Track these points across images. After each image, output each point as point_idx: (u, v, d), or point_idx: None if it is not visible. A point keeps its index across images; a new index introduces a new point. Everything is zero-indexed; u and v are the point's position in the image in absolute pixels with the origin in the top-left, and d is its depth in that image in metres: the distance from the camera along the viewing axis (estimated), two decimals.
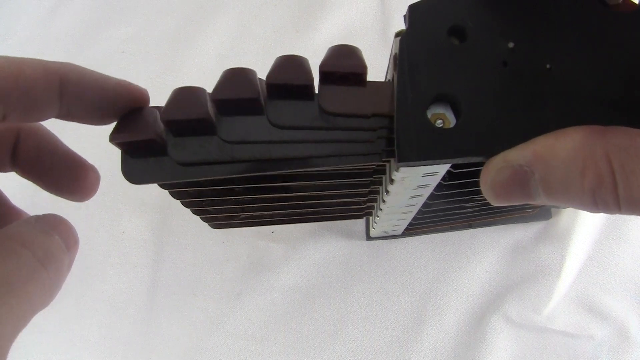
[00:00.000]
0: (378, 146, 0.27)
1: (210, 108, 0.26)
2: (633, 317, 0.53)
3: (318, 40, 0.64)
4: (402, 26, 0.26)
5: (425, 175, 0.30)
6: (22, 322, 0.19)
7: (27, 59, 0.23)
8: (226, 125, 0.27)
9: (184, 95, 0.26)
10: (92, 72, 0.25)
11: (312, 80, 0.26)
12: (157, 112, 0.27)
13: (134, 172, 0.27)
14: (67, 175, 0.28)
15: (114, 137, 0.25)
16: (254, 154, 0.27)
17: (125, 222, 0.59)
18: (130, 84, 0.27)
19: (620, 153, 0.20)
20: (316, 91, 0.27)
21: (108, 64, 0.67)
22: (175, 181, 0.27)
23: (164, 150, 0.26)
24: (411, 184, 0.32)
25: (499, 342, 0.53)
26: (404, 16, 0.25)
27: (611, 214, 0.21)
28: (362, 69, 0.26)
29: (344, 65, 0.26)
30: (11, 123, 0.24)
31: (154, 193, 0.59)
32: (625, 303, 0.54)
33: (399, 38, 0.25)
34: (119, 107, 0.26)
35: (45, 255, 0.21)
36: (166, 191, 0.35)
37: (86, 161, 0.29)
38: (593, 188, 0.20)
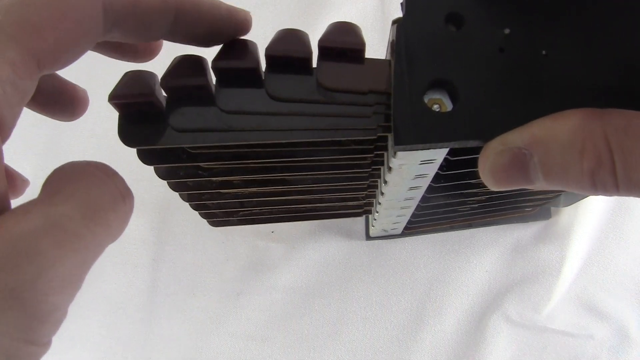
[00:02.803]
0: (374, 121, 0.27)
1: (211, 78, 0.26)
2: (633, 317, 0.53)
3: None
4: None
5: (422, 162, 0.30)
6: (100, 250, 0.19)
7: None
8: (225, 95, 0.27)
9: (184, 63, 0.26)
10: (206, 1, 0.25)
11: (311, 53, 0.27)
12: (158, 78, 0.27)
13: (130, 135, 0.27)
14: (57, 96, 0.28)
15: (112, 98, 0.25)
16: (251, 124, 0.27)
17: None
18: (237, 10, 0.27)
19: (618, 133, 0.20)
20: (314, 66, 0.27)
21: (108, 63, 0.68)
22: (171, 145, 0.27)
23: (161, 115, 0.27)
24: (409, 173, 0.32)
25: (499, 342, 0.53)
26: (401, 3, 0.26)
27: (609, 195, 0.21)
28: (360, 45, 0.27)
29: (342, 41, 0.27)
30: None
31: (154, 193, 0.59)
32: (625, 303, 0.54)
33: (396, 25, 0.25)
34: (225, 33, 0.26)
35: (125, 187, 0.21)
36: (166, 191, 0.35)
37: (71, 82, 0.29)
38: (592, 169, 0.20)
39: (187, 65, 0.26)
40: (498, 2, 0.25)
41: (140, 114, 0.27)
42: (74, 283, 0.18)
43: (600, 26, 0.24)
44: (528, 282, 0.55)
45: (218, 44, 0.27)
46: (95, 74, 0.58)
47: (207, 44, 0.27)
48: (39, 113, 0.28)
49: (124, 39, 0.23)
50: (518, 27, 0.25)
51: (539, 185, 0.23)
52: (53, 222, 0.17)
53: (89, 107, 0.57)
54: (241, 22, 0.27)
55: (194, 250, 0.58)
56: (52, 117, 0.29)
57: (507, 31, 0.25)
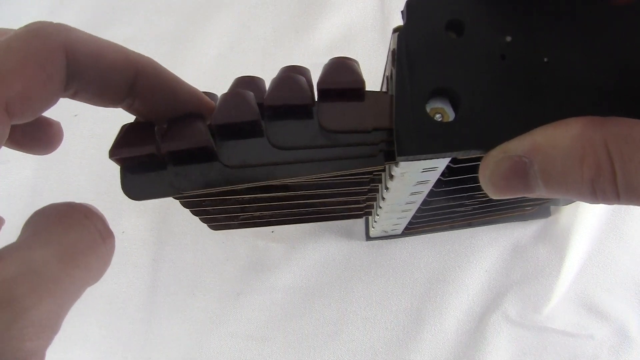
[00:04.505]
0: (380, 160, 0.27)
1: (210, 134, 0.26)
2: (633, 316, 0.54)
3: (318, 40, 0.64)
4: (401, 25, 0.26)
5: (424, 170, 0.30)
6: (78, 293, 0.19)
7: (110, 42, 0.23)
8: (227, 149, 0.27)
9: (182, 124, 0.26)
10: (168, 72, 0.26)
11: (310, 98, 0.26)
12: (155, 128, 0.27)
13: (134, 188, 0.27)
14: (32, 132, 0.28)
15: (113, 154, 0.25)
16: (256, 176, 0.27)
17: (125, 222, 0.59)
18: (201, 95, 0.27)
19: (619, 142, 0.19)
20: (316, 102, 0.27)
21: None
22: (176, 197, 0.27)
23: (164, 163, 0.26)
24: (411, 180, 0.32)
25: (499, 342, 0.53)
26: (402, 12, 0.25)
27: (610, 204, 0.21)
28: (360, 84, 0.26)
29: (341, 81, 0.26)
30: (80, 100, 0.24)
31: None
32: (625, 303, 0.54)
33: (397, 33, 0.25)
34: (183, 112, 0.27)
35: (104, 229, 0.21)
36: None
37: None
38: (592, 177, 0.20)
39: (185, 126, 0.26)
40: (499, 9, 0.25)
41: (143, 164, 0.26)
42: (51, 327, 0.18)
43: (602, 32, 0.24)
44: (528, 282, 0.55)
45: None
46: None
47: (162, 120, 0.27)
48: (15, 149, 0.28)
49: (85, 95, 0.23)
50: (519, 34, 0.25)
51: (539, 193, 0.22)
52: (29, 268, 0.17)
53: (89, 106, 0.57)
54: (204, 106, 0.27)
55: (194, 250, 0.58)
56: (27, 152, 0.29)
57: (508, 38, 0.25)
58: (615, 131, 0.20)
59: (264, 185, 0.34)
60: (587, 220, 0.56)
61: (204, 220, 0.42)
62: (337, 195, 0.39)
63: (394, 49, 0.26)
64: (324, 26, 0.65)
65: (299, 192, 0.36)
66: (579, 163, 0.20)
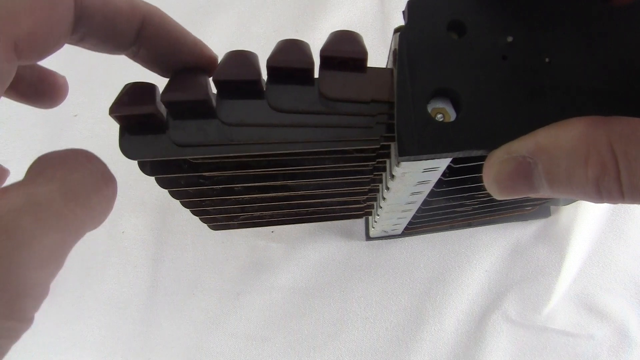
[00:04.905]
0: (377, 131, 0.27)
1: (211, 91, 0.26)
2: (633, 316, 0.54)
3: (318, 40, 0.63)
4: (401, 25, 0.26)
5: (425, 170, 0.30)
6: (80, 232, 0.19)
7: None
8: (226, 107, 0.27)
9: (184, 77, 0.26)
10: (174, 22, 0.26)
11: (312, 64, 0.26)
12: (158, 89, 0.27)
13: (131, 148, 0.27)
14: (37, 84, 0.28)
15: (113, 111, 0.25)
16: (253, 136, 0.27)
17: (125, 222, 0.59)
18: (205, 46, 0.27)
19: (623, 141, 0.19)
20: (316, 75, 0.27)
21: (109, 63, 0.67)
22: (172, 158, 0.27)
23: (162, 126, 0.26)
24: (412, 180, 0.32)
25: (498, 342, 0.53)
26: (403, 12, 0.25)
27: (615, 203, 0.21)
28: (362, 54, 0.26)
29: (344, 50, 0.26)
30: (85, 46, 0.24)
31: (154, 193, 0.59)
32: (625, 303, 0.54)
33: (398, 34, 0.25)
34: (187, 63, 0.27)
35: (107, 172, 0.21)
36: (166, 191, 0.35)
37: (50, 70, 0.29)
38: (596, 177, 0.20)
39: (186, 79, 0.26)
40: (500, 10, 0.25)
41: (141, 125, 0.26)
42: (54, 260, 0.18)
43: (603, 32, 0.24)
44: (528, 282, 0.55)
45: None
46: (96, 74, 0.57)
47: (166, 72, 0.27)
48: (20, 102, 0.28)
49: (92, 41, 0.24)
50: (521, 34, 0.25)
51: (544, 193, 0.22)
52: (34, 201, 0.17)
53: (89, 106, 0.57)
54: (206, 58, 0.27)
55: (194, 250, 0.58)
56: (32, 105, 0.29)
57: (510, 39, 0.25)
58: (619, 130, 0.20)
59: (263, 185, 0.34)
60: (587, 220, 0.56)
61: (204, 220, 0.42)
62: (337, 195, 0.39)
63: (395, 49, 0.26)
64: (324, 26, 0.65)
65: (299, 192, 0.36)
66: (583, 163, 0.20)
